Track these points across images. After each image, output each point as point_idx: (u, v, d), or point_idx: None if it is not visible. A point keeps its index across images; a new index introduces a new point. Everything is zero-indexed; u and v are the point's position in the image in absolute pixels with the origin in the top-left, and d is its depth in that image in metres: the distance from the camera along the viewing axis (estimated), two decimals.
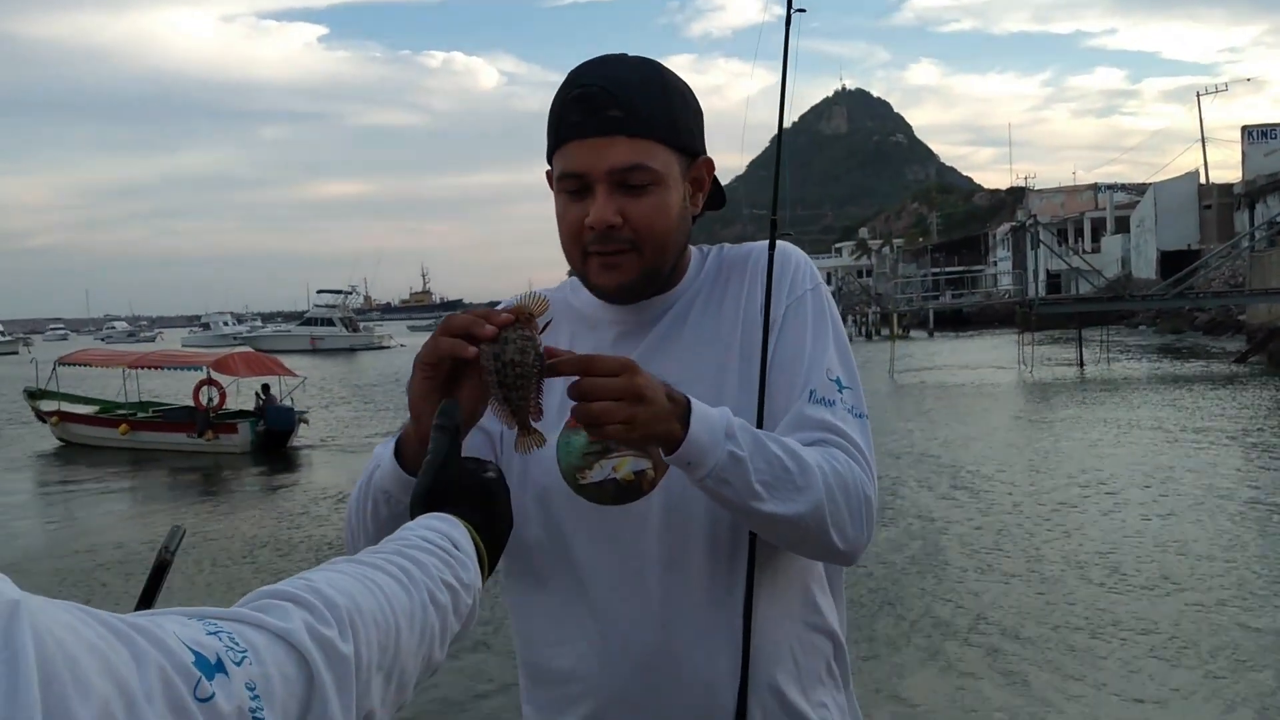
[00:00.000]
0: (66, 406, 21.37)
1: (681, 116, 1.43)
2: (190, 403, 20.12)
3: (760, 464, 1.29)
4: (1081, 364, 29.34)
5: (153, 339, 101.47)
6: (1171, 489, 11.94)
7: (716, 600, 1.41)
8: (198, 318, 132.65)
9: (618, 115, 1.36)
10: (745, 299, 1.51)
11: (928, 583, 8.48)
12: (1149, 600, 7.74)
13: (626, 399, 1.20)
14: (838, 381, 1.43)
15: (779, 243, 1.54)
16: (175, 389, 21.65)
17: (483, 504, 1.07)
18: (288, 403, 20.33)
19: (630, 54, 1.45)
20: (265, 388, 20.24)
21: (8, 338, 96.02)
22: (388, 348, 68.10)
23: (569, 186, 1.41)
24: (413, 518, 1.02)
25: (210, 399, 19.85)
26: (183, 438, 19.50)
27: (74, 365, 22.00)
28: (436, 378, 1.20)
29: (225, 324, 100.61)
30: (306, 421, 20.66)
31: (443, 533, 0.97)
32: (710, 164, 1.50)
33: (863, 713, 1.56)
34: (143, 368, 21.55)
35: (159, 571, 1.23)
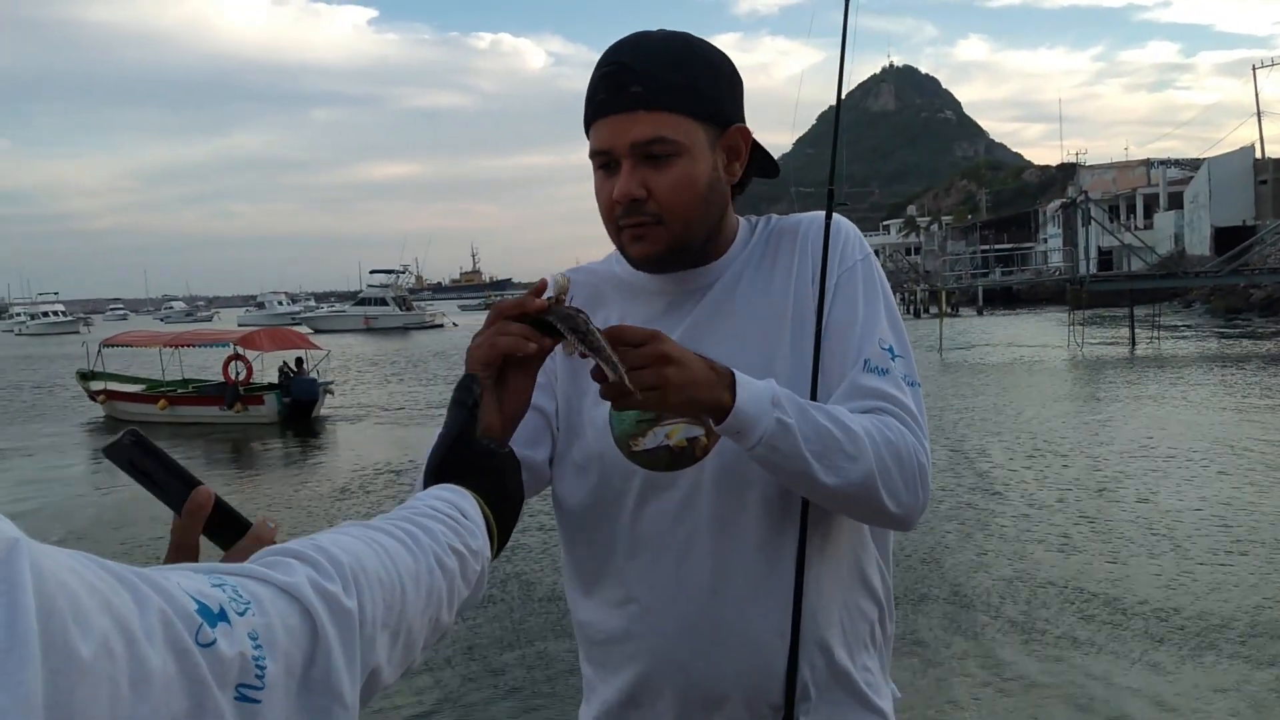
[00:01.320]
0: (113, 386, 22.70)
1: (707, 86, 1.43)
2: (221, 378, 21.47)
3: (809, 432, 1.31)
4: (1133, 342, 29.09)
5: (209, 319, 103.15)
6: (1233, 462, 11.98)
7: (767, 563, 1.43)
8: (253, 297, 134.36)
9: (638, 91, 1.38)
10: (795, 269, 1.51)
11: (972, 550, 8.72)
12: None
13: (653, 364, 1.24)
14: (890, 350, 1.44)
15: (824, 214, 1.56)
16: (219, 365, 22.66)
17: (494, 479, 1.08)
18: (313, 375, 21.58)
19: (666, 29, 1.46)
20: (299, 360, 21.61)
21: (69, 317, 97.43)
22: (441, 326, 68.15)
23: (600, 163, 1.45)
24: (425, 489, 1.04)
25: (238, 373, 21.17)
26: (215, 410, 20.82)
27: (117, 346, 23.46)
28: (494, 375, 1.22)
29: (280, 304, 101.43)
30: (331, 393, 21.89)
31: (451, 502, 0.99)
32: (745, 131, 1.49)
33: (900, 678, 1.61)
34: (177, 346, 22.93)
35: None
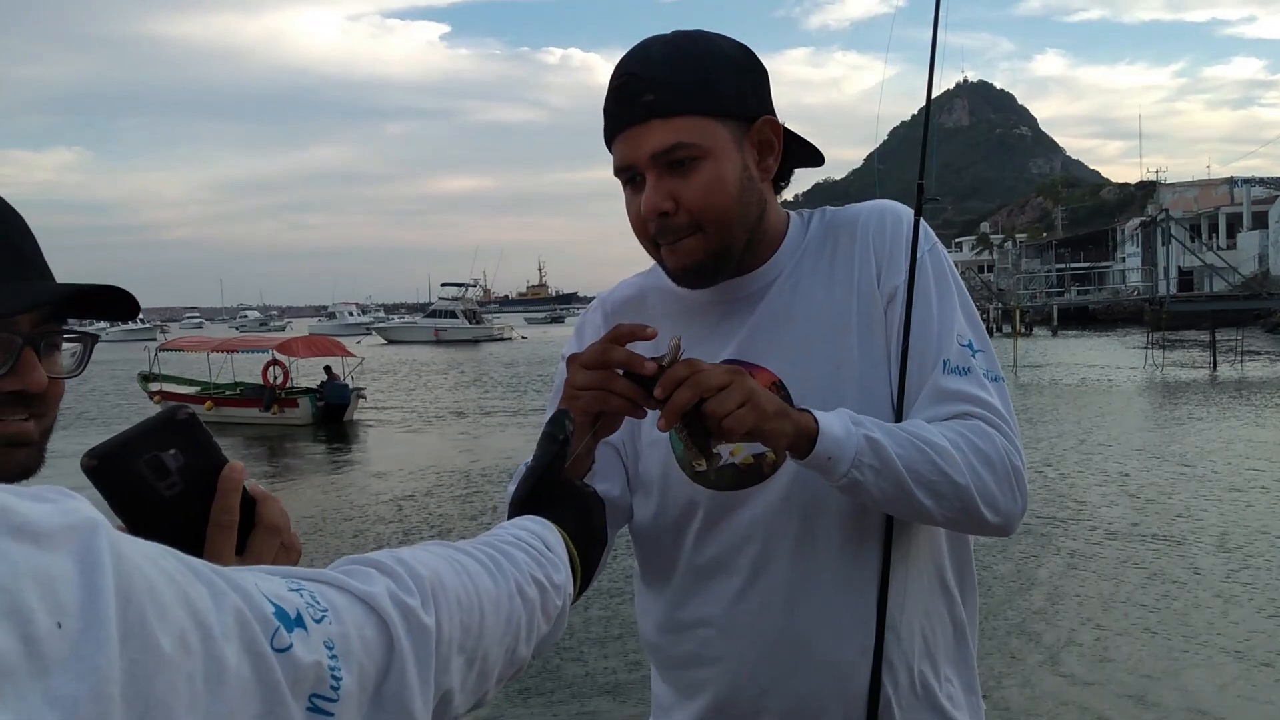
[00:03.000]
0: (167, 387, 24.40)
1: (724, 82, 1.35)
2: (261, 382, 23.09)
3: (899, 450, 1.25)
4: (1215, 365, 28.37)
5: (283, 328, 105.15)
6: None
7: (846, 581, 1.38)
8: (324, 308, 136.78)
9: (650, 99, 1.31)
10: (858, 266, 1.42)
11: (1053, 574, 8.50)
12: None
13: (734, 384, 1.20)
14: (970, 345, 1.37)
15: (885, 203, 1.49)
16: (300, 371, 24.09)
17: (580, 516, 1.05)
18: (348, 382, 23.14)
19: (680, 30, 1.39)
20: (327, 369, 23.07)
21: (147, 325, 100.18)
22: (509, 339, 69.09)
23: (625, 179, 1.39)
24: (509, 519, 1.02)
25: (276, 377, 22.64)
26: (255, 411, 22.34)
27: (171, 350, 25.87)
28: (589, 424, 1.21)
29: (350, 314, 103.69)
30: (364, 398, 23.40)
31: (536, 533, 0.96)
32: (774, 123, 1.40)
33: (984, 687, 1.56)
34: (223, 351, 24.86)
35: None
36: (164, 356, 25.25)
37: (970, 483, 1.27)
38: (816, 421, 1.24)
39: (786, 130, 1.42)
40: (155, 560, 0.54)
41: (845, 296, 1.42)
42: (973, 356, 1.37)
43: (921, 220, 1.45)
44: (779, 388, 1.39)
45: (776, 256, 1.45)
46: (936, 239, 1.45)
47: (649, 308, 1.52)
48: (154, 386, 24.42)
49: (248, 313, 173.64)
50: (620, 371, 1.21)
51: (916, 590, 1.42)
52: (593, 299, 1.67)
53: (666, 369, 1.19)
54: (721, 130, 1.34)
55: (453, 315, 72.04)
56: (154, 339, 37.87)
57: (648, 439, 1.46)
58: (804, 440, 1.24)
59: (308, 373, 23.95)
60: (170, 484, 0.86)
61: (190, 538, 0.86)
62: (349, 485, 14.94)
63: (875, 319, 1.40)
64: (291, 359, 22.78)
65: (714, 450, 1.22)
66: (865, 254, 1.43)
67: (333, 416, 22.13)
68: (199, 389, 24.32)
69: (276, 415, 22.08)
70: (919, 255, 1.40)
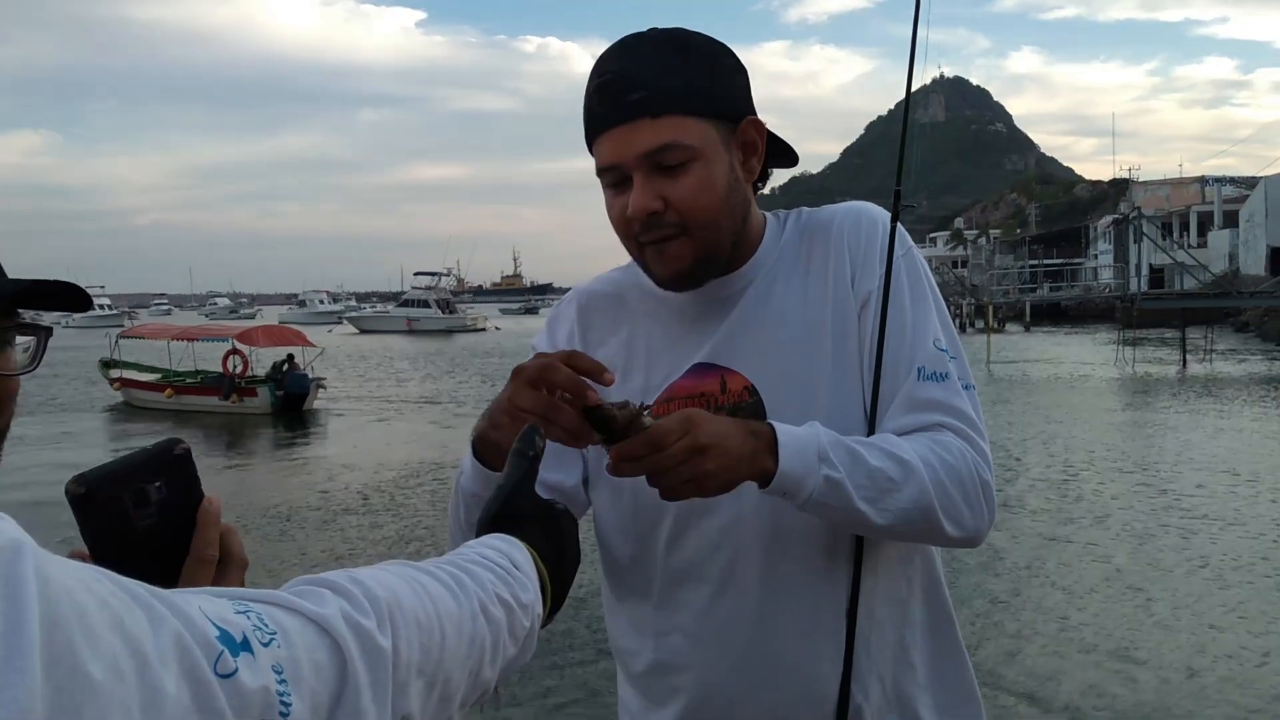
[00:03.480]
0: (127, 374, 24.65)
1: (712, 82, 1.33)
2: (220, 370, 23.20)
3: (861, 479, 1.25)
4: (1184, 363, 28.55)
5: (253, 315, 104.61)
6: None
7: (817, 592, 1.37)
8: (295, 295, 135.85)
9: (638, 97, 1.29)
10: (832, 269, 1.41)
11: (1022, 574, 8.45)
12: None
13: (689, 459, 1.18)
14: (946, 351, 1.37)
15: (861, 205, 1.48)
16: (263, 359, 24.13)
17: (552, 535, 1.02)
18: (308, 372, 23.11)
19: (659, 28, 1.36)
20: (290, 357, 22.97)
21: (114, 311, 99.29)
22: (483, 330, 68.86)
23: (609, 180, 1.36)
24: (477, 538, 0.99)
25: (235, 366, 22.74)
26: (215, 400, 22.48)
27: (132, 338, 25.89)
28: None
29: (321, 302, 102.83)
30: (324, 387, 23.56)
31: (502, 551, 0.93)
32: (759, 124, 1.39)
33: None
34: (184, 339, 24.83)
35: None
36: (125, 344, 25.35)
37: (935, 502, 1.27)
38: (776, 465, 1.23)
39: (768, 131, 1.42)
40: (87, 584, 0.52)
41: (820, 301, 1.40)
42: (949, 361, 1.36)
43: (898, 224, 1.43)
44: (751, 392, 1.39)
45: (754, 258, 1.44)
46: (912, 243, 1.44)
47: (626, 305, 1.50)
48: (114, 373, 24.64)
49: (217, 300, 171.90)
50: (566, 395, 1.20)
51: (889, 599, 1.41)
52: (568, 290, 1.64)
53: (620, 424, 1.18)
54: (710, 131, 1.32)
55: (426, 305, 71.69)
56: (121, 325, 37.81)
57: None
58: (762, 480, 1.24)
59: (272, 360, 23.93)
60: (146, 515, 0.85)
61: (158, 570, 0.84)
62: (316, 474, 14.82)
63: (849, 324, 1.39)
64: (251, 348, 22.87)
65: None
66: (840, 257, 1.41)
67: (292, 406, 22.17)
68: (159, 376, 24.43)
69: (236, 404, 22.25)
70: (895, 259, 1.39)
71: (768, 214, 1.49)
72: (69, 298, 0.94)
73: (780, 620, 1.37)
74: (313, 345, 23.71)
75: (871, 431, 1.34)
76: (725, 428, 1.21)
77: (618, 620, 1.52)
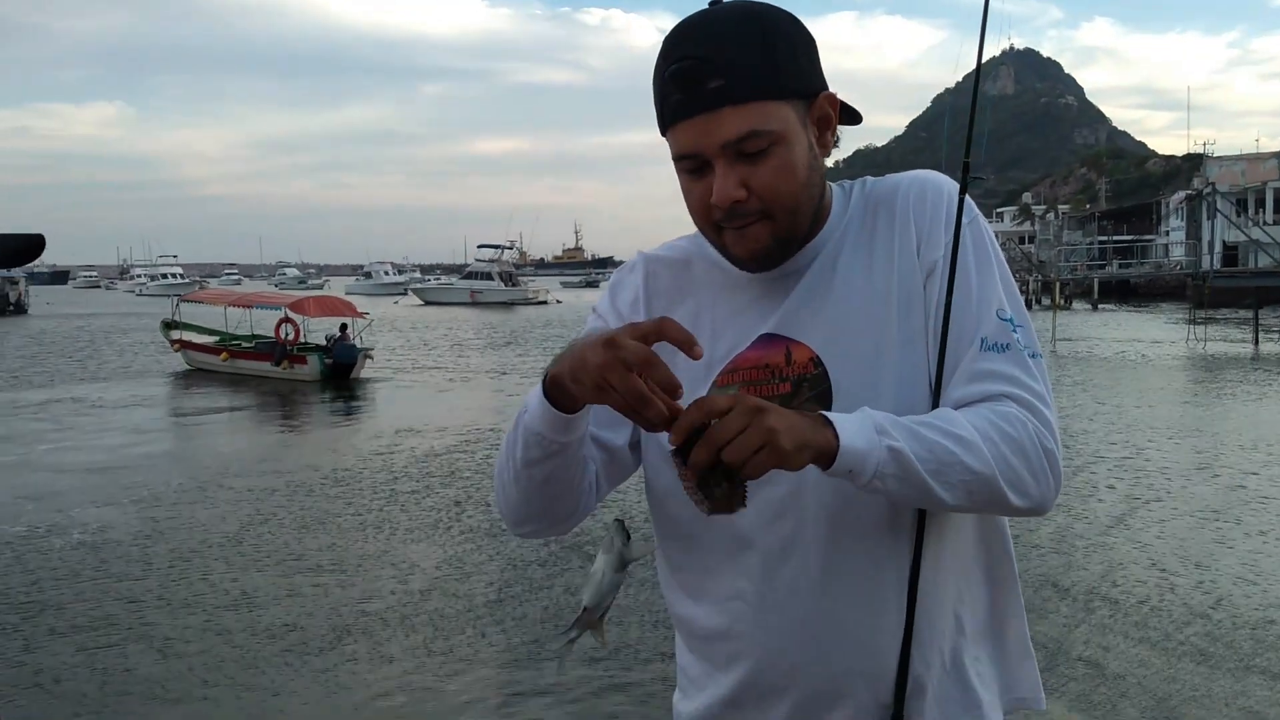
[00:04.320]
0: (186, 335, 25.89)
1: (790, 62, 1.31)
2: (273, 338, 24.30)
3: (922, 453, 1.23)
4: (1257, 342, 27.91)
5: (321, 285, 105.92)
6: None
7: (879, 558, 1.36)
8: (360, 267, 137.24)
9: (719, 85, 1.26)
10: (898, 240, 1.40)
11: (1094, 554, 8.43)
12: None
13: (752, 421, 1.14)
14: (1010, 321, 1.35)
15: (926, 173, 1.46)
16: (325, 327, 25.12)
17: None
18: (357, 341, 23.85)
19: (726, 1, 1.33)
20: (343, 326, 23.84)
21: (187, 280, 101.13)
22: (544, 303, 68.94)
23: (687, 167, 1.34)
24: None
25: (287, 334, 23.72)
26: (267, 365, 23.46)
27: (192, 303, 27.67)
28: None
29: (386, 274, 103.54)
30: (371, 357, 24.27)
31: None
32: (833, 99, 1.36)
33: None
34: (240, 306, 25.99)
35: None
36: (186, 309, 26.97)
37: (998, 473, 1.26)
38: (838, 438, 1.20)
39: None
40: None
41: (885, 272, 1.39)
42: (1013, 332, 1.34)
43: (965, 195, 1.41)
44: (816, 363, 1.37)
45: (823, 231, 1.42)
46: (979, 212, 1.42)
47: (692, 274, 1.49)
48: (175, 334, 26.09)
49: (286, 270, 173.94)
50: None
51: (950, 568, 1.41)
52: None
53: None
54: (790, 112, 1.31)
55: (489, 277, 71.95)
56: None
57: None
58: (825, 458, 1.21)
59: (327, 330, 24.90)
60: None
61: None
62: (364, 438, 15.53)
63: (915, 294, 1.37)
64: (304, 317, 23.70)
65: (723, 492, 1.18)
66: (905, 227, 1.40)
67: (340, 374, 22.98)
68: (217, 340, 25.50)
69: (286, 370, 23.18)
70: (960, 230, 1.38)
71: (833, 185, 1.46)
72: (21, 251, 0.97)
73: (842, 590, 1.36)
74: (361, 316, 24.33)
75: (937, 403, 1.33)
76: (771, 404, 1.20)
77: (674, 586, 1.52)
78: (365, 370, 23.72)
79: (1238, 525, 9.32)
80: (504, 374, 24.44)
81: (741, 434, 1.13)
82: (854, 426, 1.21)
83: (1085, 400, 17.51)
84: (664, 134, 1.35)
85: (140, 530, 9.71)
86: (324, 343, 23.72)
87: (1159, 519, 9.61)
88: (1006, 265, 1.41)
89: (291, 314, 23.65)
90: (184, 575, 8.23)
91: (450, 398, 20.64)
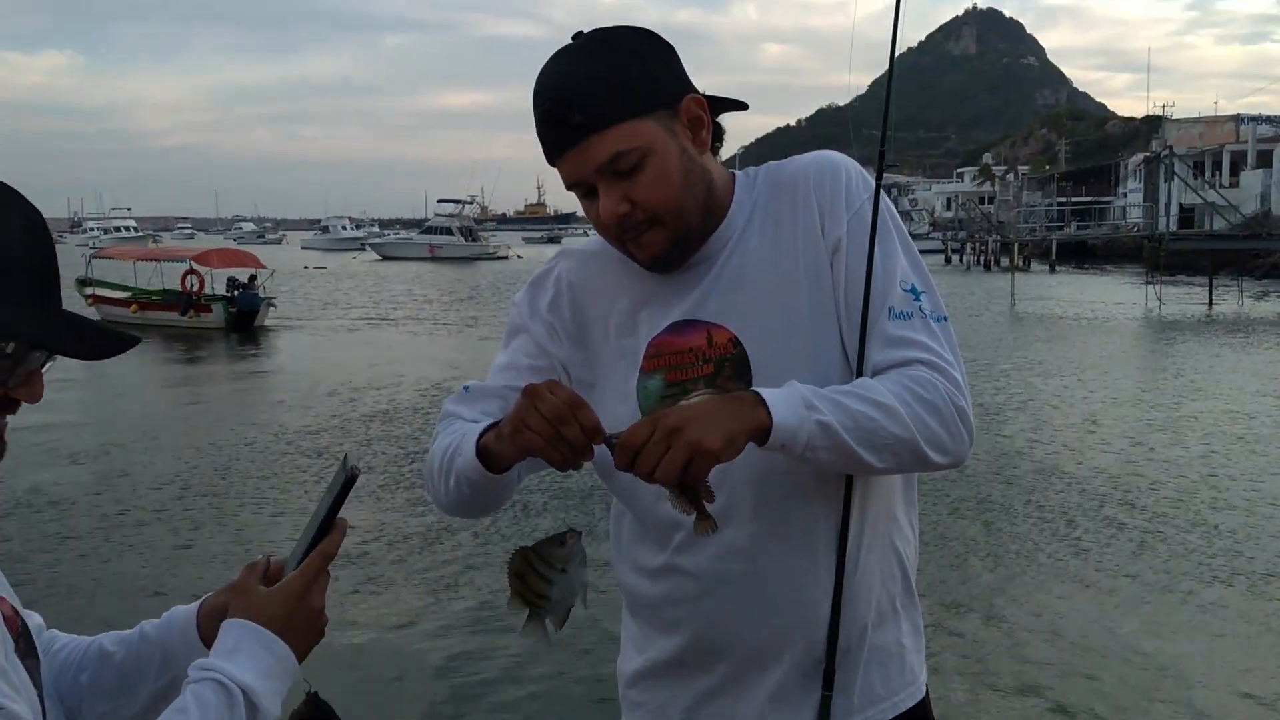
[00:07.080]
0: (100, 291, 26.82)
1: (643, 80, 1.41)
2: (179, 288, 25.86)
3: (848, 423, 1.32)
4: (1210, 304, 28.28)
5: (279, 240, 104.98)
6: None
7: (808, 525, 1.46)
8: (318, 221, 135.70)
9: (579, 120, 1.38)
10: (801, 221, 1.49)
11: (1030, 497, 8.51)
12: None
13: (671, 442, 1.24)
14: (913, 290, 1.45)
15: (825, 154, 1.55)
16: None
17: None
18: (257, 290, 25.41)
19: (584, 32, 1.45)
20: (251, 277, 25.59)
21: (139, 234, 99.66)
22: (505, 258, 68.84)
23: (578, 193, 1.47)
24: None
25: (193, 285, 25.28)
26: (174, 315, 24.90)
27: (103, 258, 28.71)
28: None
29: (344, 228, 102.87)
30: (274, 305, 26.05)
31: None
32: (698, 99, 1.47)
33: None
34: (148, 260, 27.78)
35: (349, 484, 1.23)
36: (98, 264, 27.79)
37: (918, 435, 1.36)
38: (770, 417, 1.30)
39: (709, 96, 1.49)
40: None
41: (792, 252, 1.48)
42: (915, 300, 1.44)
43: (860, 170, 1.52)
44: (735, 343, 1.46)
45: (728, 218, 1.51)
46: (881, 191, 1.52)
47: (612, 265, 1.57)
48: (89, 291, 26.73)
49: (243, 224, 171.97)
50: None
51: (873, 532, 1.51)
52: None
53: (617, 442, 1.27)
54: (653, 125, 1.41)
55: (449, 232, 71.61)
56: (146, 248, 38.85)
57: (615, 393, 1.52)
58: (760, 436, 1.31)
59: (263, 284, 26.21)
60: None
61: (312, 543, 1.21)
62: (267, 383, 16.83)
63: (823, 271, 1.47)
64: (208, 269, 25.24)
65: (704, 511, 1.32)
66: (808, 207, 1.49)
67: (244, 322, 24.56)
68: (129, 294, 26.79)
69: (192, 319, 24.64)
70: (858, 205, 1.47)
71: (737, 172, 1.57)
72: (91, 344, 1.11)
73: (774, 555, 1.46)
74: (264, 267, 25.82)
75: (860, 372, 1.43)
76: (696, 404, 1.31)
77: (623, 558, 1.62)
78: (269, 318, 25.27)
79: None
80: (392, 322, 25.68)
81: (665, 456, 1.24)
82: (785, 405, 1.31)
83: (1044, 360, 17.68)
84: (552, 166, 1.47)
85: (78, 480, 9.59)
86: (227, 292, 25.29)
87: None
88: (908, 234, 1.51)
89: (196, 266, 25.14)
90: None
91: (350, 339, 22.97)
